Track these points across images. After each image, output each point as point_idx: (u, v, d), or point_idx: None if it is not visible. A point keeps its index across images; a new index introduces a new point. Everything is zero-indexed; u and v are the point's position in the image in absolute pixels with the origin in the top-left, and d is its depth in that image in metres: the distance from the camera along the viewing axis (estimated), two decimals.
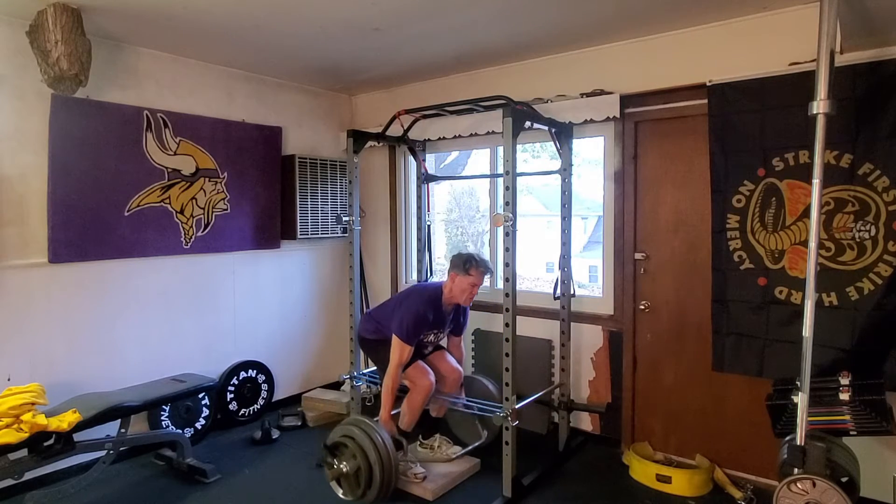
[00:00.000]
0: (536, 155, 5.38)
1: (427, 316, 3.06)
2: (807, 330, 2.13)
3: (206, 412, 3.69)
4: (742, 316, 2.86)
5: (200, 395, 3.62)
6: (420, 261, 4.14)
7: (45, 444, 2.62)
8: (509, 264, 2.76)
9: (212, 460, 3.28)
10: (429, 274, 4.13)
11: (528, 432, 3.64)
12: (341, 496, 2.88)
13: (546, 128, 3.24)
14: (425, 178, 4.09)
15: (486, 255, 3.21)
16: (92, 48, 2.83)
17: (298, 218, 4.14)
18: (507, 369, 2.79)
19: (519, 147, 3.30)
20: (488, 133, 3.80)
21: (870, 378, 2.36)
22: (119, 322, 3.36)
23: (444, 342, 3.43)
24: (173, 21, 2.93)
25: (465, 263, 3.05)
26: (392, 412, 3.09)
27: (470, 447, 3.29)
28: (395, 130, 3.80)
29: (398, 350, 3.00)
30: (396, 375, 3.02)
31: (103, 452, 2.91)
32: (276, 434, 3.69)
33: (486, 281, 3.26)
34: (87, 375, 3.19)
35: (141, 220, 3.40)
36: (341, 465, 2.83)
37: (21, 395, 2.64)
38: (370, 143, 3.74)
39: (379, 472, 2.73)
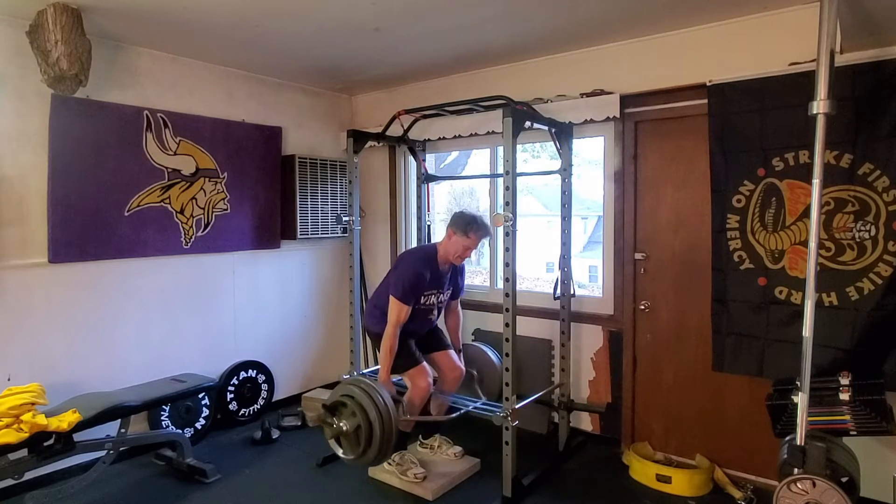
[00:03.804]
0: (536, 155, 5.38)
1: (423, 274, 3.02)
2: (807, 330, 2.13)
3: (206, 412, 3.69)
4: (742, 316, 2.85)
5: (200, 395, 3.62)
6: None
7: (45, 444, 2.62)
8: (509, 264, 2.76)
9: (212, 460, 3.28)
10: None
11: (528, 432, 3.64)
12: (341, 455, 2.81)
13: (546, 128, 3.24)
14: (425, 178, 4.08)
15: (486, 219, 3.14)
16: (92, 48, 2.82)
17: (298, 218, 4.14)
18: (507, 369, 2.79)
19: (519, 147, 3.29)
20: (488, 133, 3.80)
21: (870, 378, 2.37)
22: (119, 322, 3.36)
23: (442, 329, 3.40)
24: (173, 21, 2.93)
25: (467, 226, 2.99)
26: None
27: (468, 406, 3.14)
28: (395, 130, 3.79)
29: (396, 310, 2.98)
30: (395, 335, 2.99)
31: (103, 452, 2.91)
32: (276, 434, 3.69)
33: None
34: (87, 375, 3.19)
35: (141, 220, 3.39)
36: (341, 424, 2.75)
37: (21, 395, 2.64)
38: (370, 143, 3.73)
39: (379, 429, 2.66)
